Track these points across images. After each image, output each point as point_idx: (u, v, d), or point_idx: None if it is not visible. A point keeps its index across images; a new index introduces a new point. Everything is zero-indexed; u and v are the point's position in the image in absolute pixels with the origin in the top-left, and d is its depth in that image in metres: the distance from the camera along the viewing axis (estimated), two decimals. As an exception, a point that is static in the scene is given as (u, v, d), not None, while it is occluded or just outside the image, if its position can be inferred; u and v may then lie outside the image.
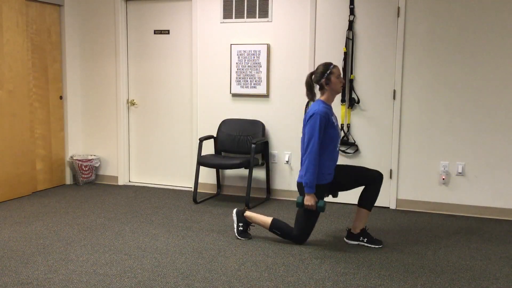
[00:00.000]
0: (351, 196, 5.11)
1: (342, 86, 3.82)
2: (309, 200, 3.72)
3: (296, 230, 3.88)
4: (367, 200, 3.83)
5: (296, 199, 3.81)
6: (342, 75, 3.96)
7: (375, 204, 5.05)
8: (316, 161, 3.67)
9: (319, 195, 3.78)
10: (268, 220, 3.96)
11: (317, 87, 3.88)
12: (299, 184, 3.83)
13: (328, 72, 3.75)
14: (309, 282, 3.18)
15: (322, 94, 3.83)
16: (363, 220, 3.89)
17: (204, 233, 4.13)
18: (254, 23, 5.26)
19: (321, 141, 3.71)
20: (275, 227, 3.93)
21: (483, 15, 4.59)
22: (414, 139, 4.89)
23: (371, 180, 3.81)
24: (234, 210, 4.09)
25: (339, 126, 3.94)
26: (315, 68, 3.86)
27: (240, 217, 4.05)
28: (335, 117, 3.88)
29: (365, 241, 3.89)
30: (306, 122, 3.76)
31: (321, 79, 3.77)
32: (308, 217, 3.83)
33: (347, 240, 3.97)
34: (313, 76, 3.83)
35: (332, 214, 4.75)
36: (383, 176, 3.83)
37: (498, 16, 4.55)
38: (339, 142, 3.88)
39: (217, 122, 5.50)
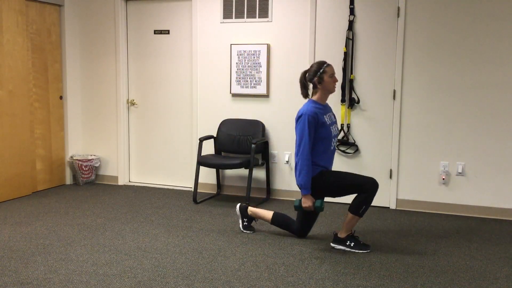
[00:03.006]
0: (350, 196, 5.11)
1: (335, 85, 3.79)
2: (306, 202, 3.74)
3: (298, 225, 3.96)
4: (355, 207, 3.65)
5: (294, 202, 3.83)
6: (335, 74, 3.86)
7: (375, 204, 5.06)
8: (308, 162, 3.66)
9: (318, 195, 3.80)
10: (269, 214, 4.06)
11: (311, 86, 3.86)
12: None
13: (321, 71, 3.73)
14: (309, 282, 3.18)
15: (314, 93, 3.81)
16: (349, 225, 3.72)
17: (204, 233, 4.13)
18: (254, 23, 5.26)
19: (312, 141, 3.69)
20: (276, 221, 4.03)
21: (483, 15, 4.58)
22: (414, 139, 4.88)
23: (362, 190, 3.63)
24: (237, 206, 4.21)
25: (337, 123, 3.90)
26: (310, 66, 3.84)
27: (244, 212, 4.17)
28: (331, 115, 3.84)
29: (351, 245, 3.74)
30: (296, 122, 3.75)
31: (314, 77, 3.75)
32: (308, 214, 3.89)
33: (333, 245, 3.80)
34: (306, 75, 3.82)
35: (332, 214, 4.75)
36: (378, 185, 3.63)
37: (498, 16, 4.55)
38: (335, 140, 3.85)
39: (217, 122, 5.50)
